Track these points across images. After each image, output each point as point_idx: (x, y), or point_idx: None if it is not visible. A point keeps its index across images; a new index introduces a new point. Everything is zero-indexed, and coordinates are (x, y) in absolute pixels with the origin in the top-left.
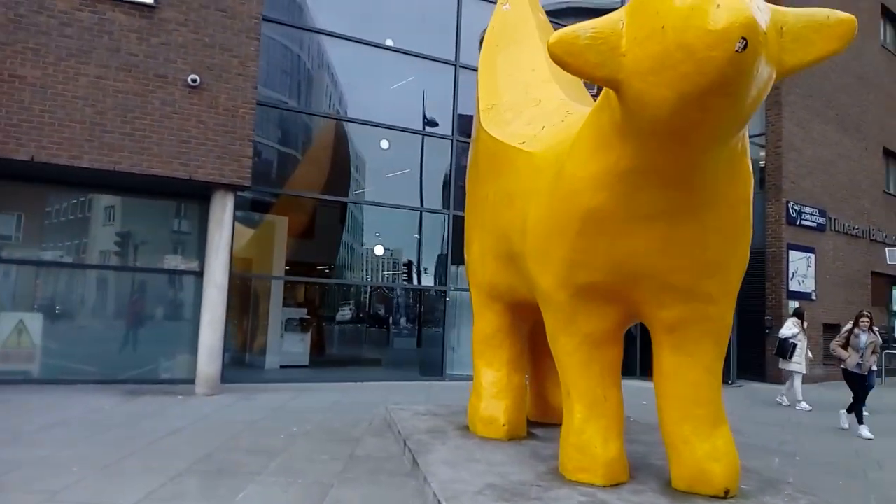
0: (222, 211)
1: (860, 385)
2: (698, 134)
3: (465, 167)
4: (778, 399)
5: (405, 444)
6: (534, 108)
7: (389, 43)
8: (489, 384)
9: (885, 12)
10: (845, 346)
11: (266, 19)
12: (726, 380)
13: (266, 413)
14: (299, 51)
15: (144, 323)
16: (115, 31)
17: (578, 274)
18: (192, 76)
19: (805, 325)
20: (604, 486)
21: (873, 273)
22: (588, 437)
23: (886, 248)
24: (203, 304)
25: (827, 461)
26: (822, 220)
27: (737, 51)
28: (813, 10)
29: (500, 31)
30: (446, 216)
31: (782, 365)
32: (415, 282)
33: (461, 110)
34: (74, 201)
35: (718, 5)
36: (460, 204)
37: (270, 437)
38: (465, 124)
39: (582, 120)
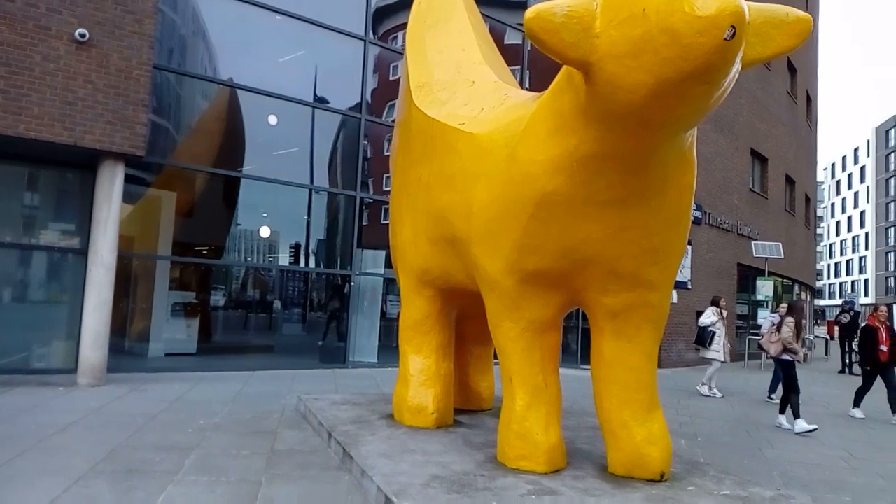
0: (111, 183)
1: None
2: (668, 120)
3: (373, 146)
4: (699, 388)
5: (330, 435)
6: (468, 89)
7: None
8: (417, 371)
9: None
10: (796, 338)
11: None
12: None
13: (165, 405)
14: (185, 12)
15: (11, 305)
16: None
17: (528, 259)
18: (81, 30)
19: (724, 313)
20: (545, 473)
21: (739, 265)
22: (530, 425)
23: (752, 243)
24: (87, 286)
25: (725, 442)
26: (698, 214)
27: (725, 39)
28: (773, 7)
29: (427, 8)
30: (353, 198)
31: (702, 353)
32: (315, 265)
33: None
34: None
35: None
36: (369, 186)
37: (177, 432)
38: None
39: (528, 102)
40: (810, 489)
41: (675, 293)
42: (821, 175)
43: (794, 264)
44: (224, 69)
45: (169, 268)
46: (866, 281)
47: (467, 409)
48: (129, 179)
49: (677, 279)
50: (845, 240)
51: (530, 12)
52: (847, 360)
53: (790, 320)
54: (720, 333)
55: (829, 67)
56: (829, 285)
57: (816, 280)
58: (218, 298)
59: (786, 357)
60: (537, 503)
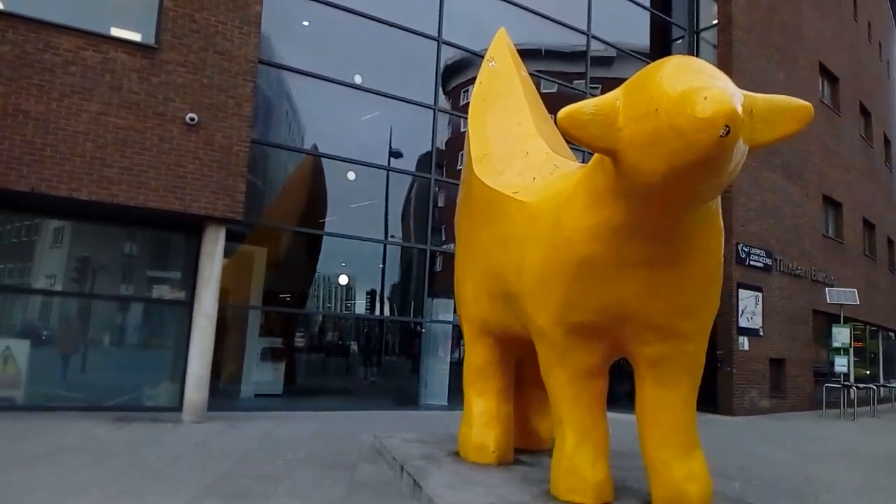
0: (214, 243)
1: None
2: (682, 197)
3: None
4: None
5: (402, 469)
6: (522, 160)
7: (358, 80)
8: (480, 413)
9: (823, 70)
10: None
11: (262, 62)
12: None
13: (257, 441)
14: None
15: (126, 350)
16: (118, 70)
17: (572, 314)
18: (191, 115)
19: None
20: None
21: (814, 311)
22: (579, 462)
23: (826, 289)
24: (192, 334)
25: (780, 486)
26: (768, 261)
27: (721, 136)
28: (777, 97)
29: (487, 86)
30: (424, 251)
31: None
32: (389, 313)
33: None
34: (64, 230)
35: (706, 97)
36: (438, 240)
37: (270, 464)
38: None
39: (571, 175)
40: None
41: (746, 340)
42: None
43: (877, 309)
44: (306, 137)
45: (259, 316)
46: None
47: (529, 448)
48: (226, 237)
49: (748, 326)
50: None
51: (563, 113)
52: None
53: None
54: None
55: None
56: None
57: None
58: (301, 344)
59: None
60: None
